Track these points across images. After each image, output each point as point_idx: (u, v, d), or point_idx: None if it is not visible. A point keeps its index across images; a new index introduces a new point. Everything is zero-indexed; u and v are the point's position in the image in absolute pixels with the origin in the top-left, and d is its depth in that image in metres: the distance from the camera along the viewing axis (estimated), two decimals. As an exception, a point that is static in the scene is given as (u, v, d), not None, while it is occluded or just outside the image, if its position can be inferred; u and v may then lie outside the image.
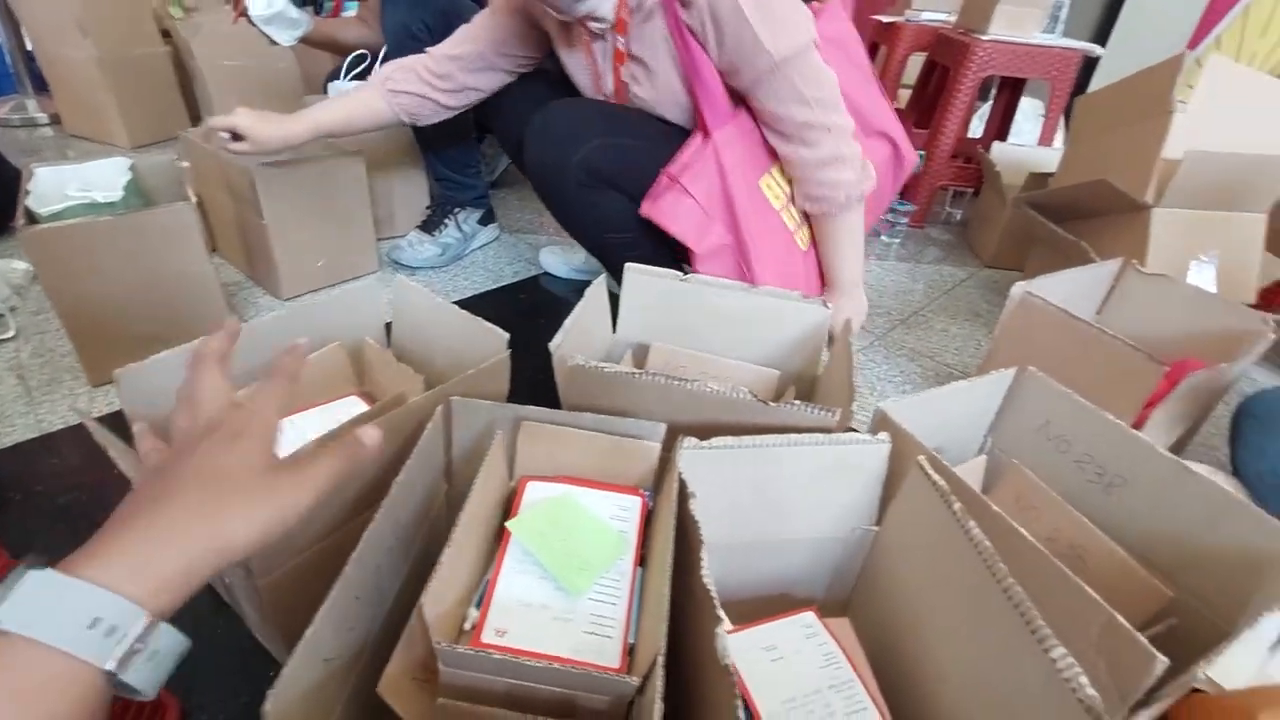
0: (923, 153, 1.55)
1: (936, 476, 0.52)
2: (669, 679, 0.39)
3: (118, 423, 0.58)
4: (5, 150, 1.41)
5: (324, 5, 1.57)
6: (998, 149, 1.62)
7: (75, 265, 0.87)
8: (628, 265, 0.82)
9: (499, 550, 0.48)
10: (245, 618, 0.60)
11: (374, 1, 1.43)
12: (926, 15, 1.88)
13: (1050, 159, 1.48)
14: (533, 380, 0.66)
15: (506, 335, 0.66)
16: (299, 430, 0.61)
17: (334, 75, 1.44)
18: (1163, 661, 0.40)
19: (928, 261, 1.59)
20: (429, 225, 1.32)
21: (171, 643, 0.29)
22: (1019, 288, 0.85)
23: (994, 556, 0.45)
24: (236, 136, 0.96)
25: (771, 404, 0.59)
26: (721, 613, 0.40)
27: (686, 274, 0.80)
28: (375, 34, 1.41)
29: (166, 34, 1.99)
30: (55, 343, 1.03)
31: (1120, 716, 0.43)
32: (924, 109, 1.95)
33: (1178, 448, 0.90)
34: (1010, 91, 1.88)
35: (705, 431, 0.54)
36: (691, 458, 0.53)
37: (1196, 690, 0.58)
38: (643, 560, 0.50)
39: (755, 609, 0.60)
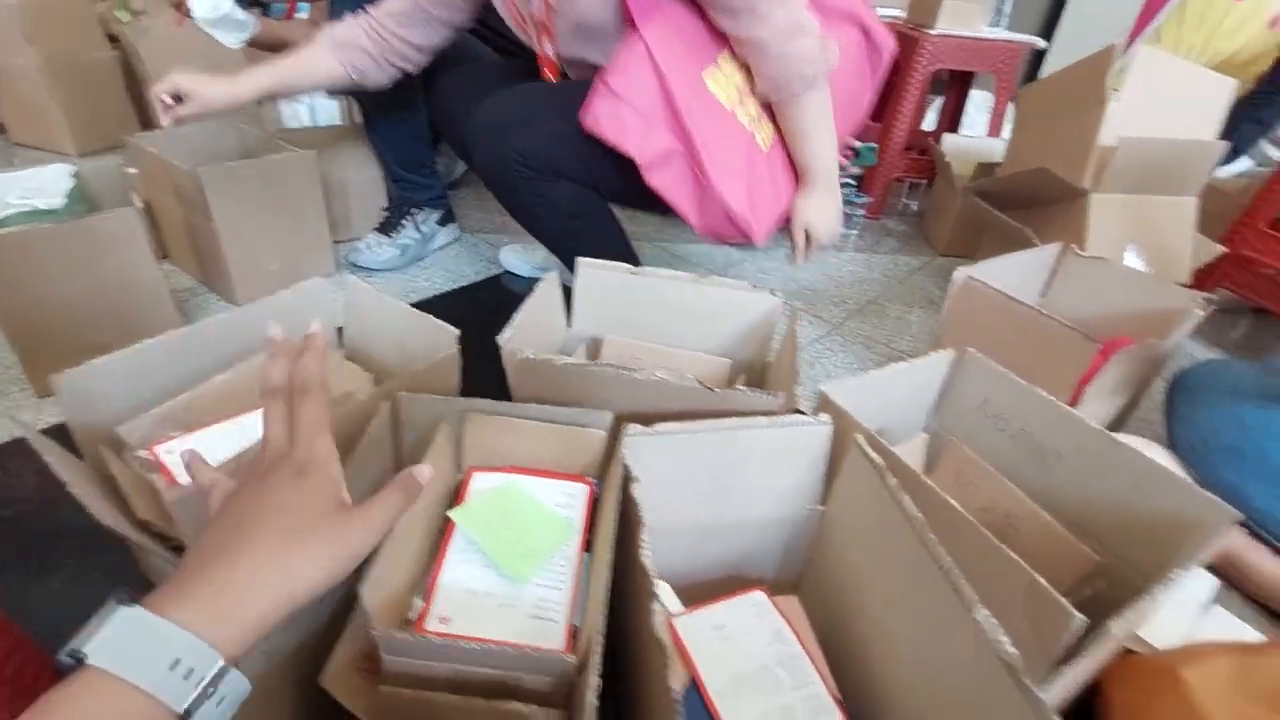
0: (875, 145, 1.59)
1: (873, 454, 0.53)
2: (617, 660, 0.40)
3: (65, 435, 0.57)
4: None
5: (274, 8, 1.55)
6: (948, 140, 1.66)
7: (16, 274, 0.86)
8: (579, 260, 0.83)
9: (443, 540, 0.48)
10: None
11: (324, 3, 1.42)
12: (880, 11, 1.92)
13: (998, 149, 1.52)
14: (495, 379, 0.66)
15: (456, 332, 0.66)
16: (244, 430, 0.61)
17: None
18: (1080, 619, 0.42)
19: (884, 252, 1.62)
20: (387, 227, 1.31)
21: (238, 687, 0.29)
22: (961, 273, 0.88)
23: (925, 527, 0.47)
24: (179, 101, 0.91)
25: (716, 390, 0.60)
26: (657, 589, 0.41)
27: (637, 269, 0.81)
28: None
29: (114, 38, 1.94)
30: (-1, 354, 1.01)
31: (1044, 673, 0.45)
32: (879, 103, 1.99)
33: (1118, 422, 0.93)
34: (961, 85, 1.93)
35: (653, 420, 0.55)
36: (637, 444, 0.54)
37: (1130, 652, 0.61)
38: (589, 546, 0.51)
39: (708, 591, 0.61)
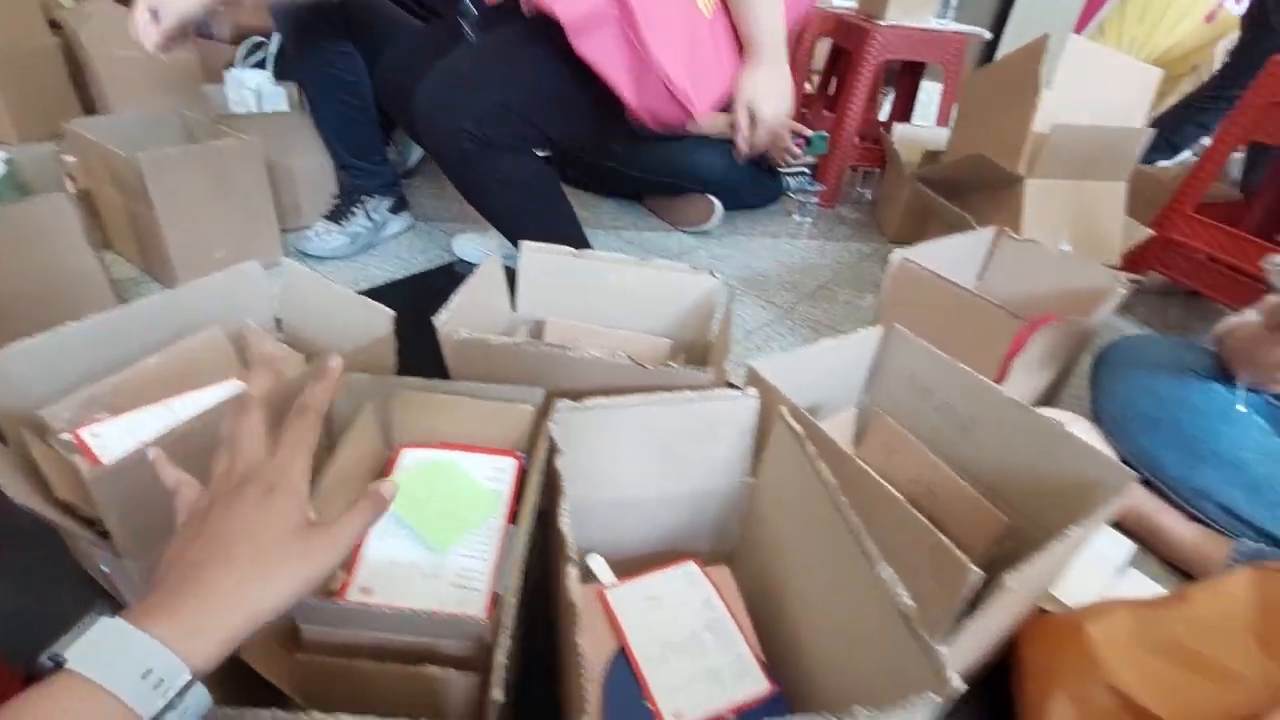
0: (826, 134, 1.61)
1: (794, 424, 0.55)
2: (545, 628, 0.41)
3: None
4: None
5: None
6: (899, 130, 1.70)
7: (-59, 261, 0.83)
8: (523, 244, 0.83)
9: (369, 514, 0.49)
10: (121, 601, 0.59)
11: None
12: (834, 2, 1.95)
13: (945, 138, 1.55)
14: (445, 365, 0.66)
15: (391, 314, 0.66)
16: (174, 413, 0.60)
17: (233, 63, 1.40)
18: (977, 573, 0.44)
19: (837, 239, 1.65)
20: (336, 215, 1.30)
21: (200, 702, 0.30)
22: (897, 255, 0.90)
23: (837, 491, 0.49)
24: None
25: (648, 366, 0.62)
26: (573, 553, 0.42)
27: (581, 251, 0.82)
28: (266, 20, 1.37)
29: (56, 25, 1.88)
30: (-73, 346, 0.98)
31: (950, 626, 0.47)
32: (834, 94, 2.02)
33: (1049, 397, 0.97)
34: (912, 76, 1.97)
35: (587, 396, 0.56)
36: (567, 419, 0.55)
37: (1044, 612, 0.64)
38: (516, 518, 0.52)
39: (645, 564, 0.63)
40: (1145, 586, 0.72)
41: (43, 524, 0.50)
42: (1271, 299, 0.70)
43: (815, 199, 1.73)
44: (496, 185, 0.99)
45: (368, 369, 0.59)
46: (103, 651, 0.28)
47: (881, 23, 1.61)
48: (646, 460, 0.60)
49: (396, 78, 1.08)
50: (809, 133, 1.60)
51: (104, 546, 0.52)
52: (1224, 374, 0.77)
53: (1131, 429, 0.80)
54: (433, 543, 0.47)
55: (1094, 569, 0.73)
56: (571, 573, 0.41)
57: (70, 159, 1.23)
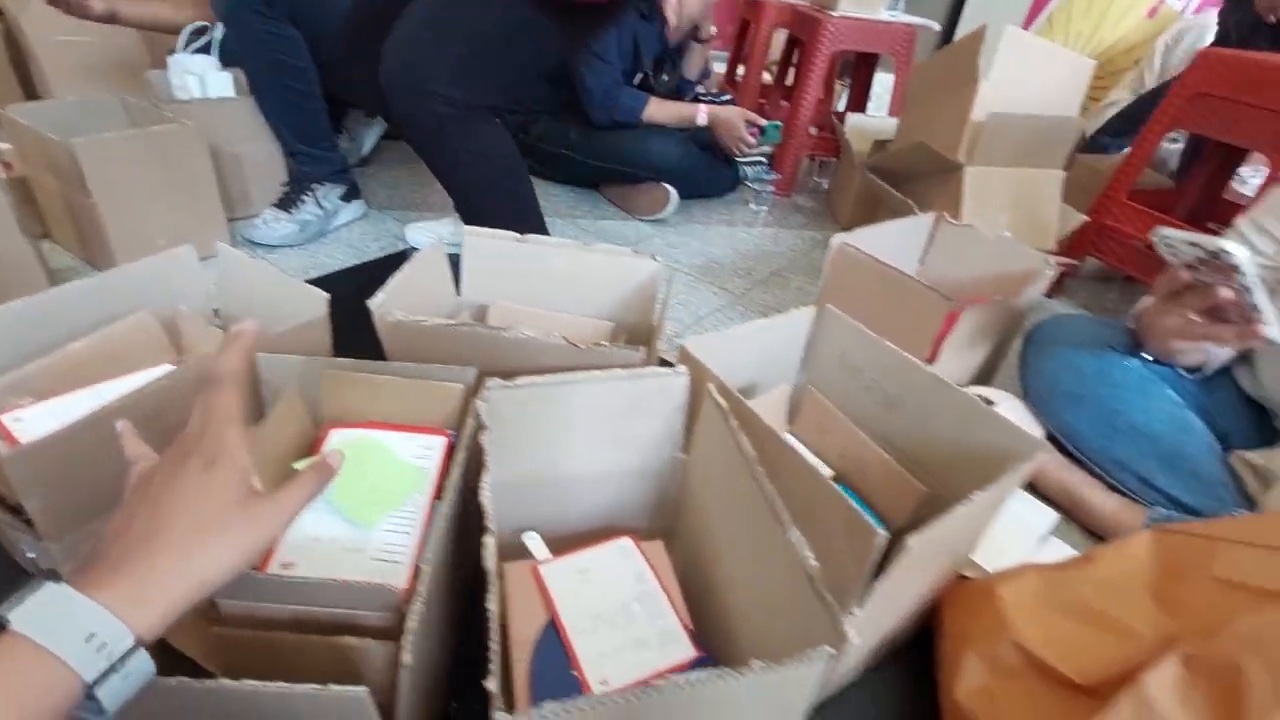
0: (780, 124, 1.63)
1: (719, 399, 0.57)
2: (472, 602, 0.42)
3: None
4: None
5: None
6: (851, 119, 1.72)
7: None
8: (466, 229, 0.83)
9: (293, 492, 0.49)
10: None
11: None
12: (789, -7, 1.97)
13: (894, 127, 1.59)
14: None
15: (326, 296, 0.66)
16: (102, 398, 0.60)
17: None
18: (883, 535, 0.46)
19: (791, 227, 1.67)
20: (285, 202, 1.28)
21: (143, 667, 0.31)
22: (837, 239, 0.92)
23: (755, 461, 0.50)
24: None
25: (580, 346, 0.63)
26: (491, 525, 0.43)
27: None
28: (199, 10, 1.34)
29: (-3, 10, 1.82)
30: None
31: (863, 588, 0.49)
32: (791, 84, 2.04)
33: (985, 376, 1.00)
34: (867, 67, 2.00)
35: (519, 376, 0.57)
36: (497, 397, 0.56)
37: (964, 578, 0.67)
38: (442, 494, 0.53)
39: (584, 540, 0.64)
40: (1065, 554, 0.75)
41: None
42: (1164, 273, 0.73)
43: (771, 188, 1.75)
44: (470, 157, 0.99)
45: (302, 351, 0.59)
46: (47, 614, 0.29)
47: (834, 14, 1.64)
48: (580, 438, 0.61)
49: (345, 54, 1.06)
50: (763, 122, 1.62)
51: (27, 531, 0.52)
52: (1141, 350, 0.81)
53: (1056, 405, 0.83)
54: (356, 519, 0.47)
55: (1017, 538, 0.76)
56: (488, 542, 0.42)
57: (4, 145, 1.20)
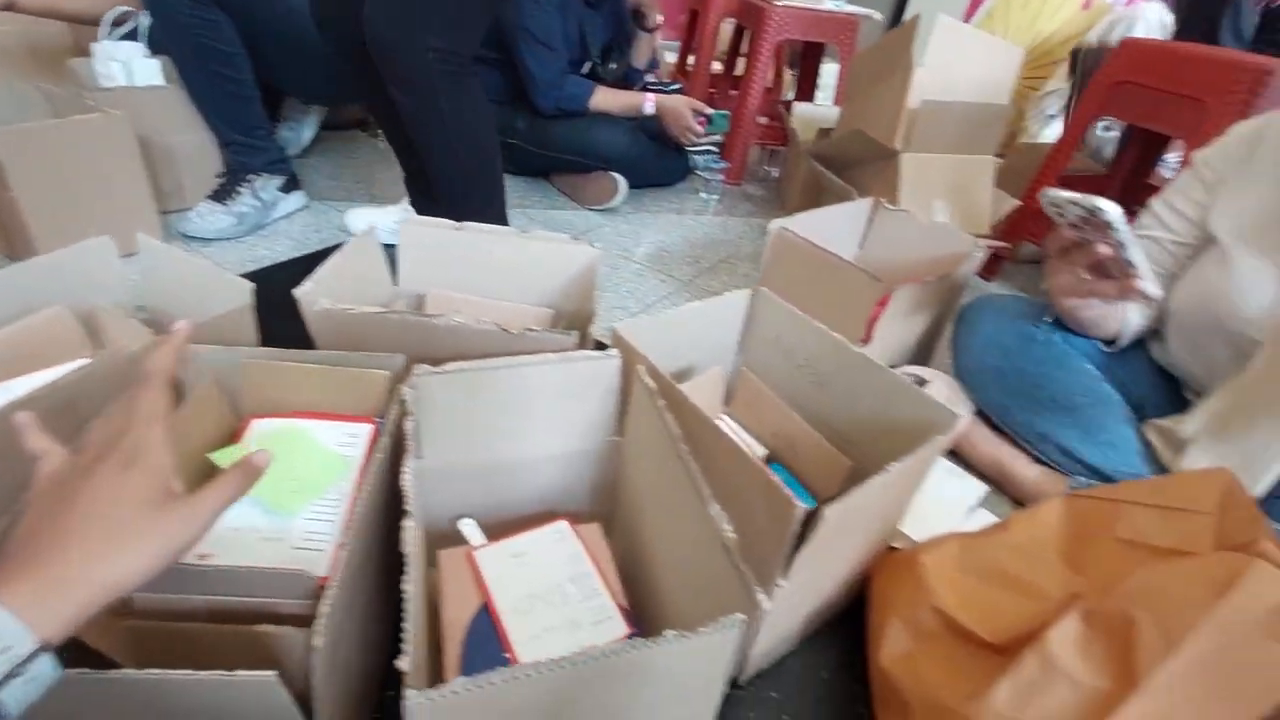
0: (727, 113, 1.65)
1: (648, 380, 0.57)
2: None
3: None
4: None
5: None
6: (798, 108, 1.75)
7: None
8: (403, 217, 0.82)
9: (211, 483, 0.48)
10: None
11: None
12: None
13: (837, 115, 1.62)
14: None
15: (251, 286, 0.65)
16: (12, 395, 0.58)
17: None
18: (800, 507, 0.48)
19: (740, 215, 1.69)
20: (221, 194, 1.25)
21: (48, 671, 0.30)
22: (776, 224, 0.94)
23: (679, 440, 0.51)
24: None
25: (511, 331, 0.63)
26: (410, 507, 0.43)
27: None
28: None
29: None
30: None
31: (785, 558, 0.50)
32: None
33: (922, 355, 1.03)
34: (814, 57, 2.03)
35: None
36: (426, 383, 0.55)
37: (894, 549, 0.69)
38: (370, 481, 0.52)
39: (524, 525, 0.64)
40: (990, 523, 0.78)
41: None
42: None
43: (721, 177, 1.77)
44: (471, 115, 0.98)
45: (224, 342, 0.58)
46: None
47: (778, 4, 1.66)
48: (513, 422, 0.61)
49: (279, 39, 1.03)
50: (710, 111, 1.63)
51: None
52: (1061, 326, 0.84)
53: (983, 380, 0.86)
54: (278, 508, 0.47)
55: (947, 510, 0.79)
56: (408, 526, 0.42)
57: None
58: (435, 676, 0.50)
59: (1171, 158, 1.77)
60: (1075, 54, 1.85)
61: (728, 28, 2.18)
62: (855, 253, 1.12)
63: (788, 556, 0.51)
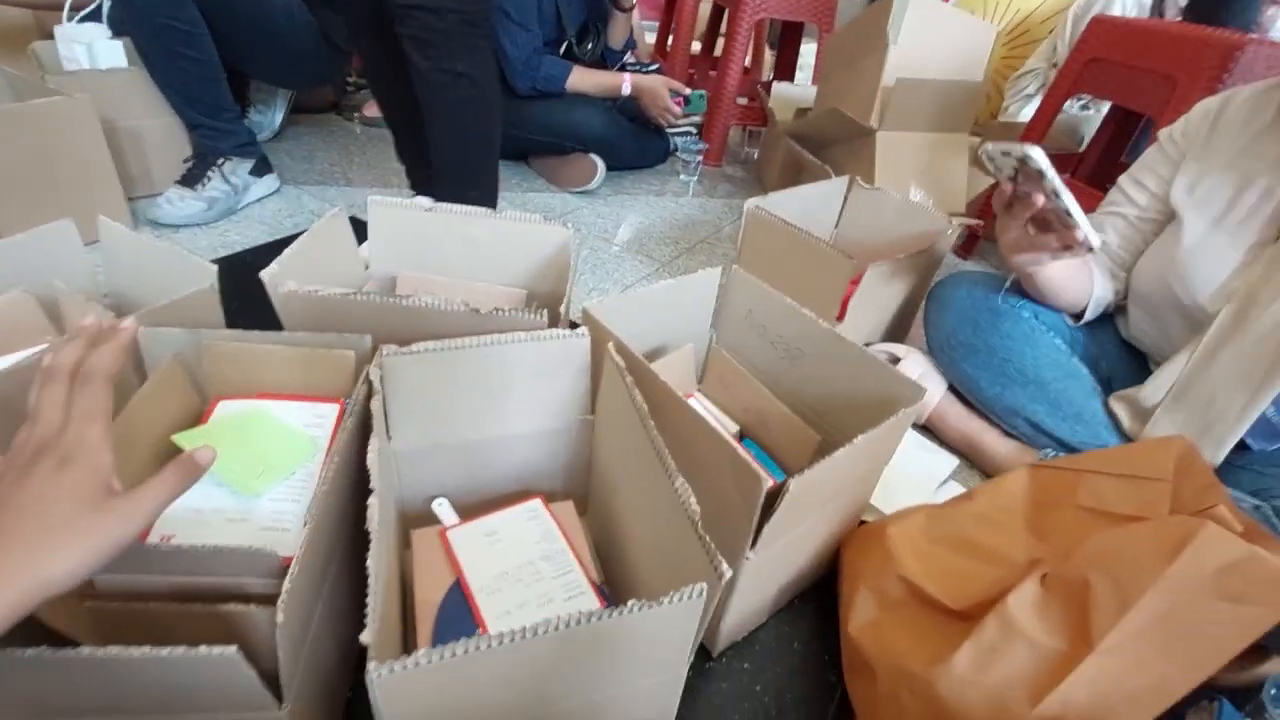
0: (705, 93, 1.64)
1: (617, 358, 0.57)
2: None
3: None
4: None
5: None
6: (776, 88, 1.74)
7: None
8: (371, 199, 0.81)
9: (174, 465, 0.48)
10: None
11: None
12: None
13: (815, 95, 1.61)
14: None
15: (214, 268, 0.64)
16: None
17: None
18: (767, 480, 0.48)
19: (720, 196, 1.69)
20: (190, 179, 1.22)
21: None
22: (750, 203, 0.94)
23: (646, 415, 0.51)
24: None
25: (480, 311, 0.62)
26: (375, 485, 0.43)
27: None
28: None
29: None
30: None
31: (753, 528, 0.51)
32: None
33: (896, 332, 1.04)
34: (794, 37, 2.02)
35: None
36: (393, 364, 0.55)
37: (864, 523, 0.70)
38: (339, 461, 0.52)
39: (497, 505, 0.65)
40: (963, 496, 0.80)
41: None
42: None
43: (700, 158, 1.76)
44: (486, 82, 0.99)
45: (187, 325, 0.57)
46: None
47: (756, -18, 1.64)
48: (484, 402, 0.61)
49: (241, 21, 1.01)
50: (687, 91, 1.62)
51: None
52: (1025, 296, 0.85)
53: (954, 356, 0.87)
54: (243, 489, 0.46)
55: (917, 484, 0.80)
56: (372, 503, 0.42)
57: None
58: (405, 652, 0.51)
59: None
60: None
61: (706, 7, 2.16)
62: (831, 231, 1.12)
63: (755, 529, 0.51)
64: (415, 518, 0.65)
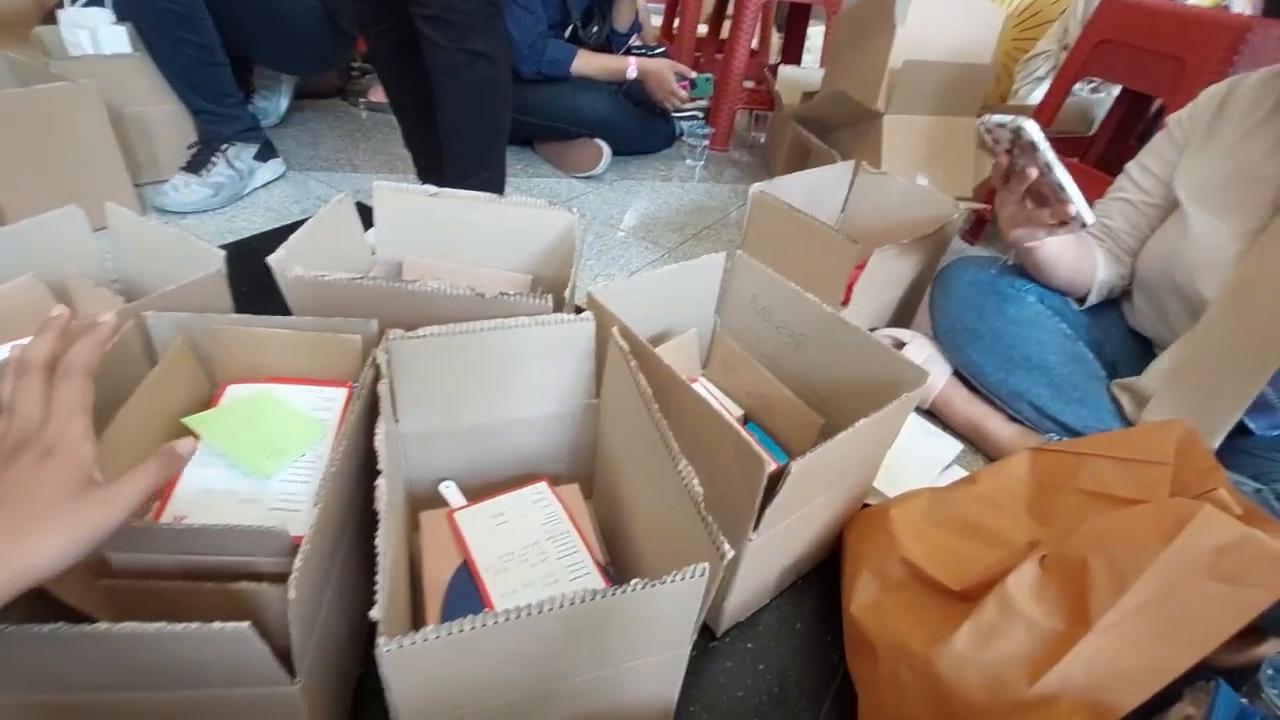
0: (711, 76, 1.62)
1: (621, 341, 0.58)
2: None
3: None
4: None
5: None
6: (783, 71, 1.73)
7: None
8: (376, 185, 0.82)
9: (186, 447, 0.49)
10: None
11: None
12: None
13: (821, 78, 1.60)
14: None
15: (223, 253, 0.65)
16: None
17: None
18: (769, 463, 0.49)
19: (726, 181, 1.68)
20: (195, 165, 1.23)
21: None
22: (756, 187, 0.93)
23: (650, 399, 0.52)
24: None
25: (485, 296, 0.63)
26: (383, 466, 0.44)
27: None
28: None
29: None
30: None
31: (756, 510, 0.51)
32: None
33: (902, 317, 1.04)
34: (801, 19, 2.00)
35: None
36: (399, 348, 0.56)
37: (867, 505, 0.70)
38: (347, 443, 0.53)
39: (503, 488, 0.65)
40: (966, 480, 0.80)
41: None
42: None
43: (706, 142, 1.75)
44: (501, 60, 0.99)
45: (199, 309, 0.58)
46: None
47: (762, -38, 1.62)
48: (489, 386, 0.62)
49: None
50: (693, 74, 1.61)
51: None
52: (1026, 276, 0.85)
53: (959, 341, 0.87)
54: (254, 471, 0.47)
55: (921, 468, 0.81)
56: (380, 484, 0.43)
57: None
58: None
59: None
60: None
61: (712, -10, 2.14)
62: (837, 216, 1.12)
63: (758, 511, 0.52)
64: (423, 500, 0.66)
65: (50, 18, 1.52)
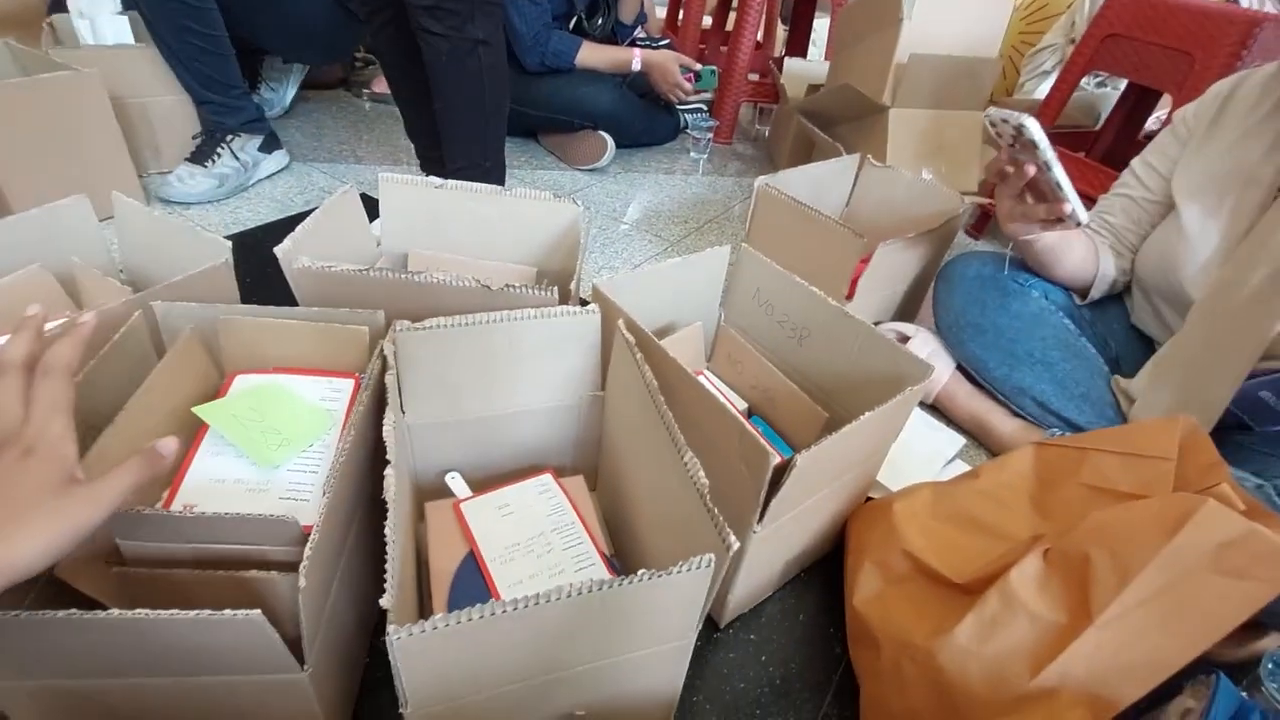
0: (715, 68, 1.62)
1: (627, 334, 0.58)
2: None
3: None
4: None
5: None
6: (789, 64, 1.72)
7: None
8: (382, 176, 0.82)
9: (195, 439, 0.49)
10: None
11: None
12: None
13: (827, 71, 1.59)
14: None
15: (229, 243, 0.65)
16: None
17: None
18: (774, 456, 0.49)
19: (730, 174, 1.68)
20: (200, 156, 1.23)
21: None
22: (760, 180, 0.93)
23: (655, 390, 0.52)
24: None
25: (491, 288, 0.63)
26: (391, 456, 0.44)
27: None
28: None
29: None
30: None
31: (760, 502, 0.52)
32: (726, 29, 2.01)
33: (906, 311, 1.04)
34: (807, 12, 1.99)
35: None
36: (406, 339, 0.56)
37: (871, 499, 0.71)
38: (354, 434, 0.53)
39: (508, 479, 0.66)
40: (968, 475, 0.80)
41: None
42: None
43: (711, 135, 1.74)
44: (498, 50, 1.00)
45: (205, 300, 0.58)
46: None
47: (768, -46, 1.61)
48: (495, 378, 0.62)
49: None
50: (697, 66, 1.60)
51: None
52: (1028, 270, 0.85)
53: (963, 336, 0.87)
54: (262, 460, 0.48)
55: (924, 462, 0.81)
56: (388, 474, 0.43)
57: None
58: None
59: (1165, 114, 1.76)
60: None
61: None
62: (841, 210, 1.12)
63: (763, 504, 0.52)
64: (429, 491, 0.67)
65: (61, 5, 1.52)
